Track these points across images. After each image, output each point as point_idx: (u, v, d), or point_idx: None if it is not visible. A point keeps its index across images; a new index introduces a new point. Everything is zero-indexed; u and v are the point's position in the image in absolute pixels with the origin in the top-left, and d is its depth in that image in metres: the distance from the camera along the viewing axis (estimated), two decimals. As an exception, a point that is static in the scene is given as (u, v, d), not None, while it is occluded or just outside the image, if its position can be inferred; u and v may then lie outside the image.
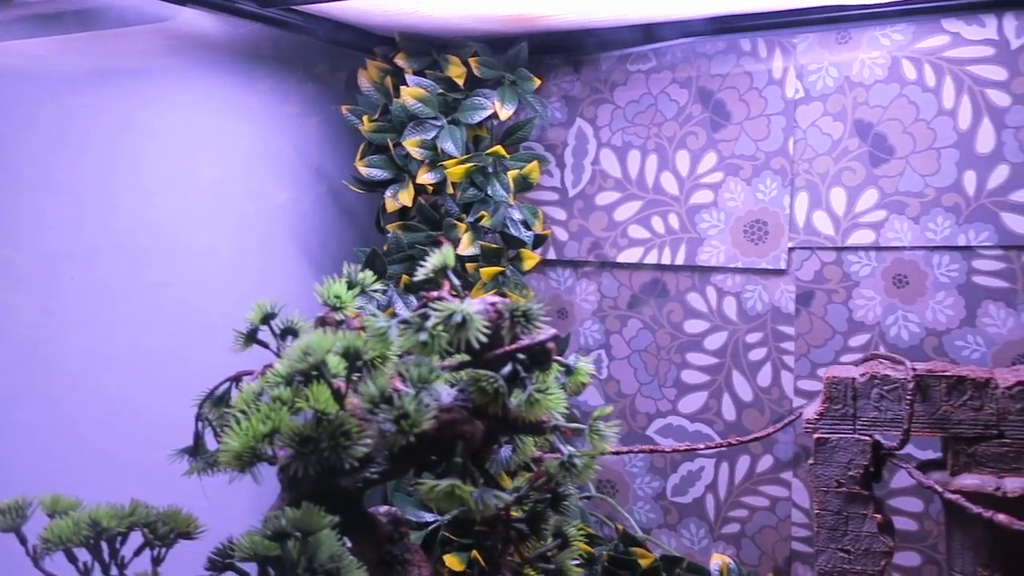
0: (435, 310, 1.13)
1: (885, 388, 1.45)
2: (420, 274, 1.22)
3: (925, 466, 1.49)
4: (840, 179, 1.83)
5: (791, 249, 1.88)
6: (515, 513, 1.30)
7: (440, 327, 1.11)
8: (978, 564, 1.41)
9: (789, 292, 1.89)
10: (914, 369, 1.43)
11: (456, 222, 1.90)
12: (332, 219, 2.09)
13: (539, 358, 1.20)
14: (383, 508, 1.37)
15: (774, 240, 1.90)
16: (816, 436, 1.48)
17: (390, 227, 1.96)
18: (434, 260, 1.22)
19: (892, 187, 1.79)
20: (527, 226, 1.94)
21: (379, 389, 1.06)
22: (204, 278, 1.78)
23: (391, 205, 1.97)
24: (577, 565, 1.92)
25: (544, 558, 1.26)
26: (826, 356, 1.85)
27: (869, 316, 1.82)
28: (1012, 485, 1.36)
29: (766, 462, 1.93)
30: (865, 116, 1.80)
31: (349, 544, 1.16)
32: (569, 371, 1.29)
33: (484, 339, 1.14)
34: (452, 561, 1.75)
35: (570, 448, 1.21)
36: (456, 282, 1.22)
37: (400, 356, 1.17)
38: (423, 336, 1.10)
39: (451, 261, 1.22)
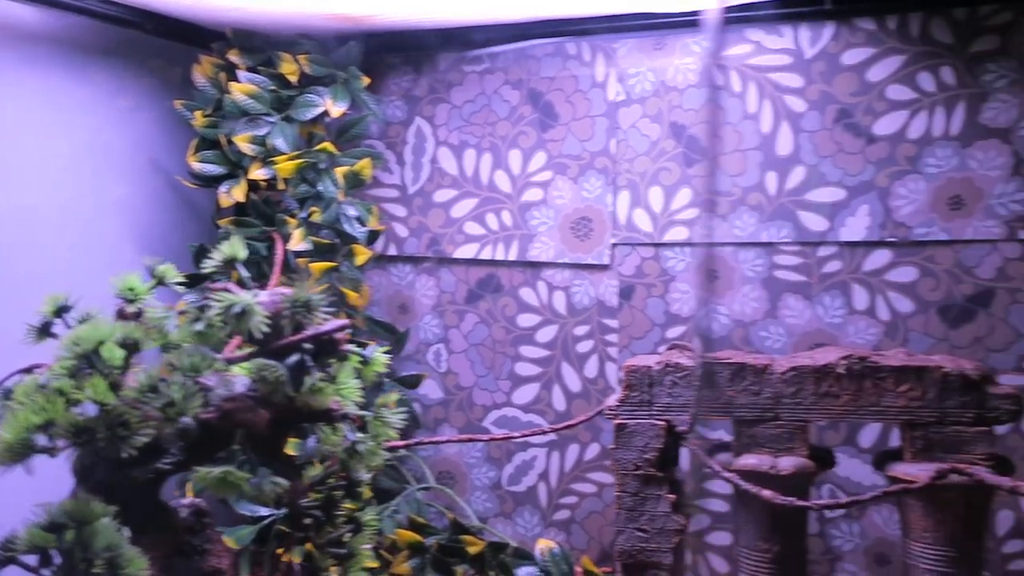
0: (216, 301, 1.15)
1: (677, 375, 1.53)
2: (208, 266, 1.24)
3: (720, 448, 1.59)
4: (658, 178, 1.92)
5: (614, 245, 1.97)
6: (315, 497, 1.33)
7: (219, 317, 1.14)
8: (759, 538, 1.51)
9: (612, 286, 1.98)
10: (701, 356, 1.52)
11: (288, 218, 1.92)
12: (172, 214, 2.07)
13: (327, 348, 1.23)
14: (186, 499, 1.38)
15: (598, 236, 1.98)
16: (616, 422, 1.55)
17: (223, 222, 1.96)
18: (222, 252, 1.24)
19: (703, 186, 1.89)
20: (361, 222, 1.97)
21: (148, 378, 1.08)
22: (28, 273, 1.75)
23: (225, 200, 1.97)
24: (407, 554, 1.96)
25: (338, 543, 1.30)
26: (646, 347, 1.94)
27: (684, 309, 1.92)
28: (785, 463, 1.47)
29: (593, 450, 2.01)
30: (679, 119, 1.90)
31: (129, 534, 1.17)
32: (365, 362, 1.33)
33: (267, 329, 1.17)
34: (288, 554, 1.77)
35: (359, 435, 1.25)
36: (245, 274, 1.25)
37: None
38: (199, 326, 1.12)
39: (240, 254, 1.24)
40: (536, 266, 2.04)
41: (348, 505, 1.32)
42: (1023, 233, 1.68)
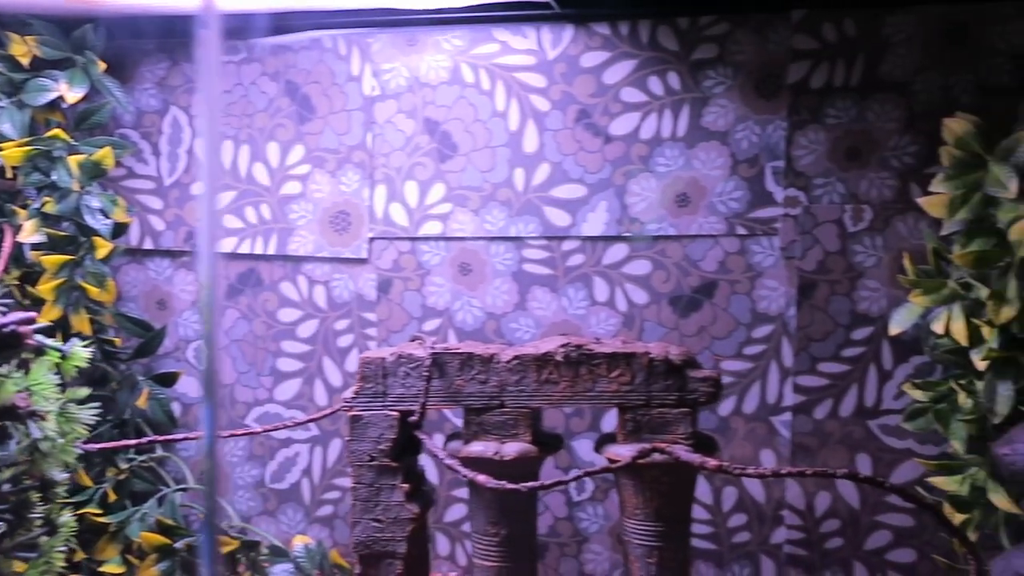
0: None
1: (410, 366, 1.56)
2: None
3: (456, 436, 1.62)
4: (413, 173, 1.95)
5: (372, 239, 1.98)
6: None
7: None
8: (487, 523, 1.56)
9: (371, 280, 1.98)
10: (432, 347, 1.55)
11: (18, 208, 1.81)
12: None
13: (9, 342, 1.17)
14: None
15: (356, 230, 1.98)
16: (351, 414, 1.56)
17: (-53, 212, 1.83)
18: None
19: (457, 181, 1.93)
20: (105, 214, 1.89)
21: None
22: None
23: (-50, 189, 1.84)
24: (155, 558, 1.89)
25: (30, 546, 1.24)
26: (404, 341, 1.97)
27: (440, 302, 1.95)
28: (509, 449, 1.52)
29: (354, 443, 2.02)
30: (433, 115, 1.93)
31: None
32: (64, 356, 1.28)
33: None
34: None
35: (44, 432, 1.20)
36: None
37: None
38: None
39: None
40: (296, 260, 2.02)
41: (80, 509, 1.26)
42: (740, 229, 1.82)
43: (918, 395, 1.69)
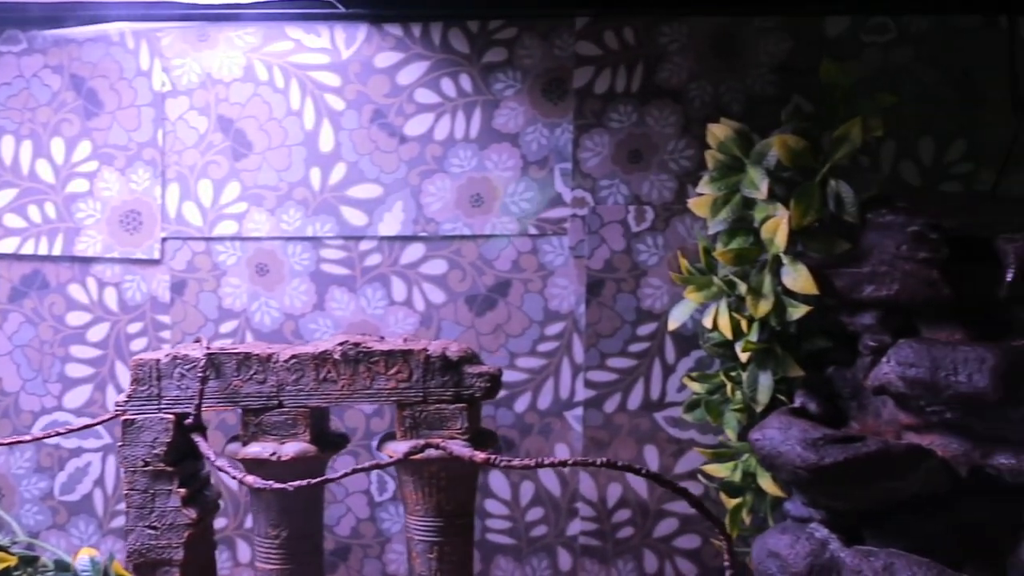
0: None
1: (185, 367, 1.52)
2: None
3: (235, 439, 1.59)
4: (207, 172, 1.90)
5: (164, 239, 1.92)
6: None
7: None
8: (268, 525, 1.54)
9: (164, 282, 1.93)
10: (207, 348, 1.52)
11: None
12: None
13: None
14: None
15: (148, 230, 1.92)
16: (123, 419, 1.51)
17: None
18: None
19: (252, 180, 1.90)
20: None
21: None
22: None
23: None
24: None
25: None
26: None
27: (237, 303, 1.92)
28: (288, 449, 1.51)
29: (149, 450, 1.95)
30: (227, 112, 1.89)
31: None
32: None
33: None
34: None
35: None
36: None
37: None
38: None
39: None
40: (85, 261, 1.93)
41: None
42: (532, 229, 1.87)
43: (695, 387, 1.77)
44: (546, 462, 1.38)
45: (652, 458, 1.87)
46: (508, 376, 1.87)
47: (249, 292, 1.91)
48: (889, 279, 1.47)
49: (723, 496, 1.70)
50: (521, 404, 1.89)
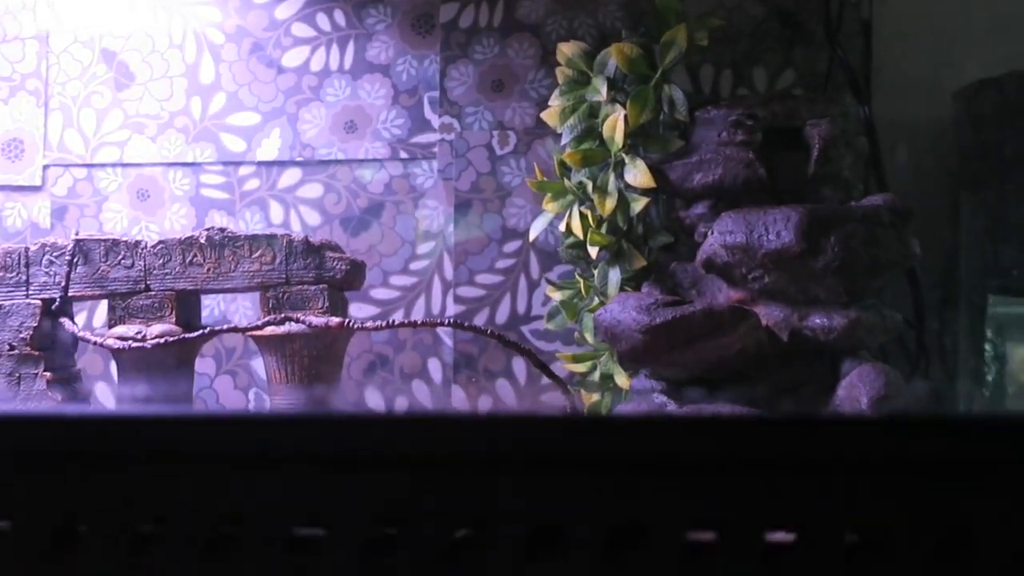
0: None
1: (54, 254, 1.58)
2: None
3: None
4: (90, 101, 1.98)
5: (46, 167, 1.98)
6: None
7: None
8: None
9: (45, 208, 1.98)
10: (76, 234, 1.59)
11: None
12: None
13: None
14: None
15: (30, 158, 1.98)
16: (-10, 304, 1.56)
17: None
18: None
19: (134, 110, 1.98)
20: None
21: None
22: None
23: None
24: None
25: None
26: (81, 268, 1.97)
27: (117, 228, 1.98)
28: (154, 330, 1.57)
29: None
30: (110, 45, 1.99)
31: None
32: None
33: None
34: None
35: None
36: None
37: None
38: None
39: None
40: (-35, 189, 1.98)
41: None
42: (403, 153, 1.99)
43: (555, 295, 1.89)
44: (397, 322, 1.48)
45: (520, 370, 1.97)
46: (382, 294, 1.96)
47: (130, 217, 1.97)
48: (714, 165, 1.63)
49: (582, 392, 1.81)
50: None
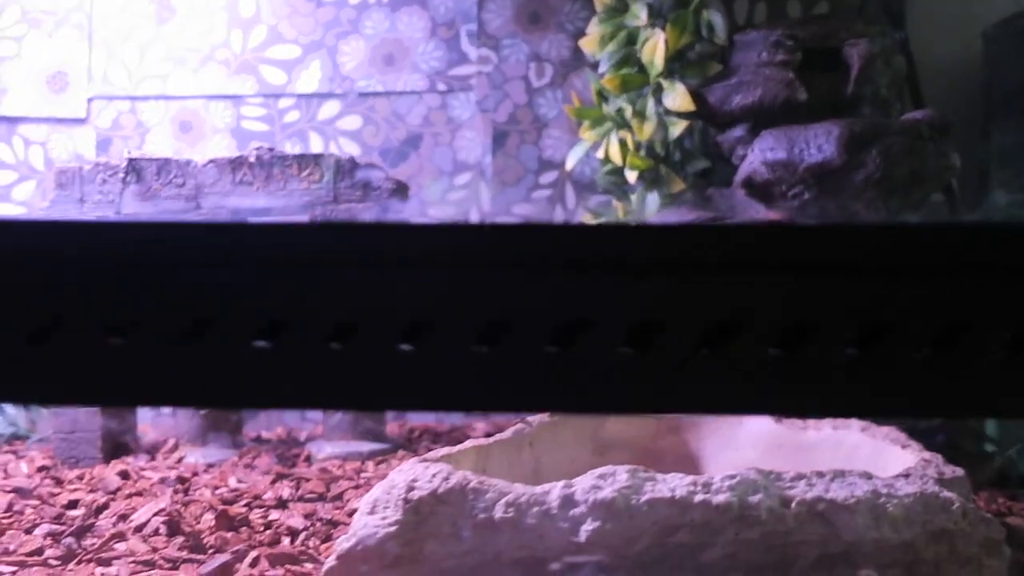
0: None
1: (108, 173, 1.62)
2: None
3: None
4: (132, 35, 2.01)
5: (90, 99, 2.01)
6: None
7: None
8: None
9: (90, 140, 2.01)
10: (128, 153, 1.62)
11: None
12: None
13: None
14: None
15: (75, 90, 2.01)
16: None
17: None
18: None
19: (176, 43, 2.01)
20: None
21: None
22: None
23: None
24: None
25: None
26: (125, 199, 2.00)
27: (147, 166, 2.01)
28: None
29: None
30: (152, -21, 2.02)
31: None
32: None
33: None
34: None
35: None
36: None
37: None
38: None
39: None
40: (11, 121, 2.01)
41: None
42: (441, 86, 2.01)
43: (592, 221, 1.92)
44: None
45: (555, 300, 2.00)
46: (420, 225, 1.99)
47: (172, 149, 2.01)
48: (753, 86, 1.65)
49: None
50: (433, 252, 2.01)
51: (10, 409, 1.82)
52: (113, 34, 2.01)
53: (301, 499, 1.35)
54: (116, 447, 1.64)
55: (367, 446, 1.64)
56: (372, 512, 0.90)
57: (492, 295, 0.45)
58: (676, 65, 1.72)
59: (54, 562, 1.11)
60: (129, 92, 2.00)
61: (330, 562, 0.91)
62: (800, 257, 0.46)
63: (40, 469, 1.58)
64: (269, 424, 1.93)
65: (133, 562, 1.08)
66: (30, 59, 2.00)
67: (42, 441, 1.78)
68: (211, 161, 1.62)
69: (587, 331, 0.46)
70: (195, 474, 1.49)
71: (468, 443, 1.15)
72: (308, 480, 1.45)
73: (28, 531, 1.22)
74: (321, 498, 1.36)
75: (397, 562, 0.88)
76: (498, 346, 0.45)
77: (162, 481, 1.45)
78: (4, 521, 1.26)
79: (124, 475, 1.49)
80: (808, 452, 1.26)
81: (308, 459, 1.62)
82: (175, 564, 1.08)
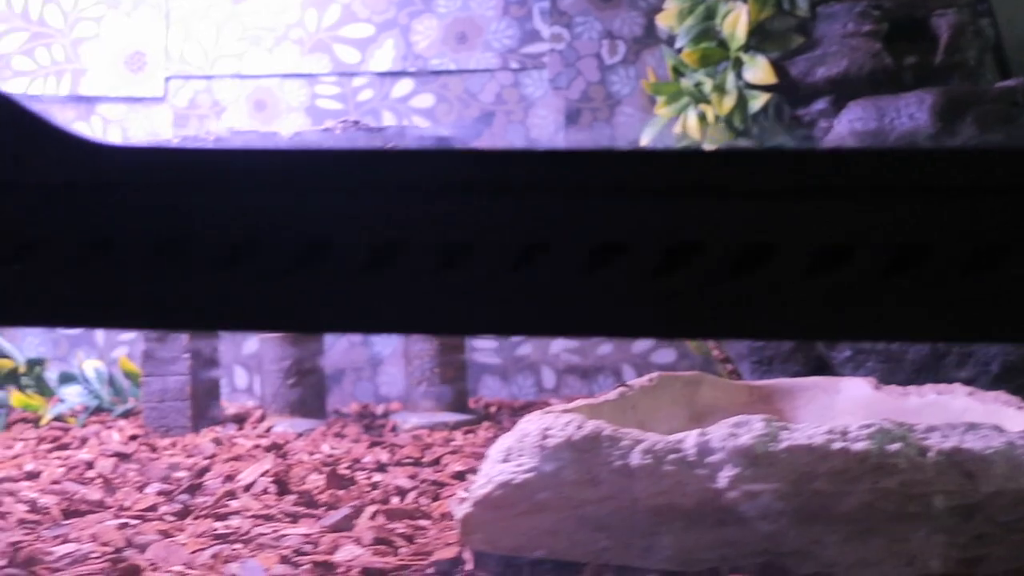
0: None
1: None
2: None
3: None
4: (208, 14, 2.03)
5: (168, 78, 2.04)
6: None
7: None
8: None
9: (167, 119, 2.04)
10: (207, 132, 1.64)
11: None
12: None
13: None
14: None
15: (152, 70, 2.04)
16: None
17: None
18: None
19: (251, 22, 2.03)
20: None
21: None
22: None
23: None
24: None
25: None
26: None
27: (237, 139, 2.03)
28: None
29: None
30: (228, -41, 2.04)
31: None
32: None
33: None
34: None
35: None
36: None
37: None
38: None
39: None
40: (90, 100, 2.04)
41: None
42: (513, 64, 2.02)
43: (666, 200, 1.92)
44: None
45: (627, 277, 2.00)
46: (492, 203, 2.00)
47: (248, 127, 2.03)
48: (838, 57, 1.64)
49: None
50: (505, 230, 2.02)
51: (94, 383, 1.85)
52: (189, 14, 2.03)
53: (398, 463, 1.36)
54: (204, 417, 1.66)
55: (452, 417, 1.65)
56: (506, 460, 0.91)
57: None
58: (755, 39, 1.72)
59: (170, 517, 1.13)
60: (205, 71, 2.03)
61: (464, 509, 0.91)
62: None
63: (132, 437, 1.61)
64: (343, 400, 1.94)
65: (251, 516, 1.10)
66: (108, 40, 2.03)
67: (127, 413, 1.81)
68: (297, 134, 1.64)
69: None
70: (287, 442, 1.51)
71: (579, 401, 1.15)
72: (402, 446, 1.46)
73: (140, 489, 1.24)
74: (417, 463, 1.37)
75: (534, 508, 0.89)
76: (677, 274, 0.44)
77: (255, 447, 1.47)
78: (114, 481, 1.29)
79: (217, 442, 1.51)
80: (912, 418, 1.25)
81: (394, 429, 1.63)
82: (294, 518, 1.09)
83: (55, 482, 1.29)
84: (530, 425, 0.92)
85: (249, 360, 2.03)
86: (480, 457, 1.40)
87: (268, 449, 1.45)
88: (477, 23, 2.01)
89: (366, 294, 0.43)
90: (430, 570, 0.89)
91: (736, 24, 1.70)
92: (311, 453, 1.42)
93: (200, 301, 0.44)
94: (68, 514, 1.12)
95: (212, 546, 0.98)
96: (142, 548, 0.98)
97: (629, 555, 0.88)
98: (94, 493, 1.22)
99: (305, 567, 0.92)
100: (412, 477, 1.27)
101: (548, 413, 0.96)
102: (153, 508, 1.16)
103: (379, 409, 1.89)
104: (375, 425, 1.65)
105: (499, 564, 0.89)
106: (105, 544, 0.97)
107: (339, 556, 0.93)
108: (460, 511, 0.92)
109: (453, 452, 1.41)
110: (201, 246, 0.42)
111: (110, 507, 1.17)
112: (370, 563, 0.91)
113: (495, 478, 0.89)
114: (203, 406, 1.66)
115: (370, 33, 2.02)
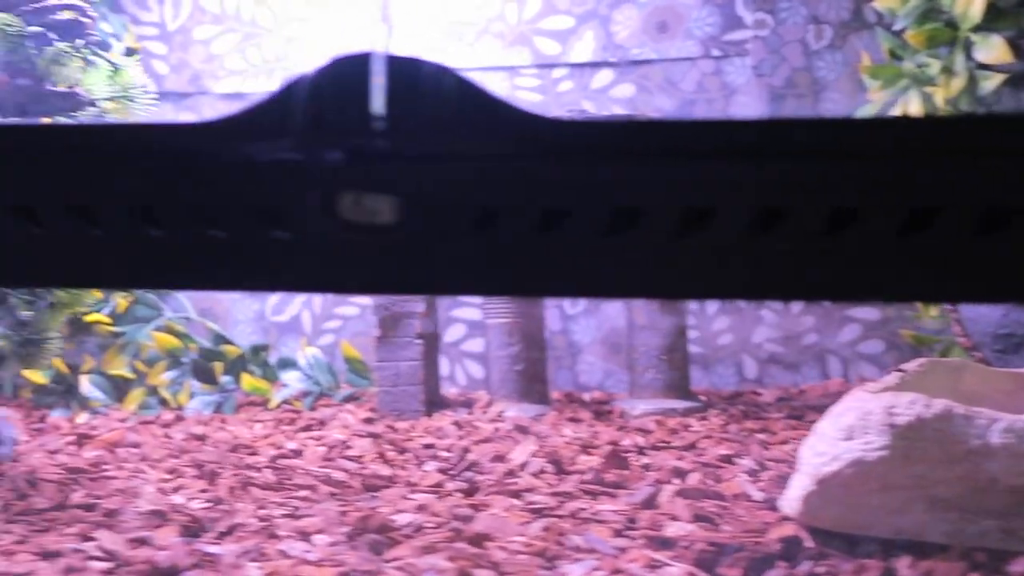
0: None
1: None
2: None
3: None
4: (414, 11, 2.09)
5: (372, 74, 2.10)
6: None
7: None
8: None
9: (371, 113, 2.10)
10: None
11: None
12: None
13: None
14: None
15: (357, 66, 2.10)
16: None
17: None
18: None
19: (452, 16, 2.07)
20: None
21: None
22: None
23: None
24: (165, 363, 1.94)
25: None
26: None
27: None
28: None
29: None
30: (430, -43, 2.09)
31: None
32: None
33: None
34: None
35: None
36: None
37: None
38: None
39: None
40: (298, 98, 2.12)
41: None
42: (715, 51, 2.00)
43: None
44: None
45: (833, 266, 1.97)
46: (693, 192, 1.99)
47: (449, 121, 2.07)
48: (1085, 33, 1.58)
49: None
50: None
51: (312, 368, 1.92)
52: (395, 11, 2.09)
53: (654, 448, 1.37)
54: (433, 402, 1.70)
55: (679, 403, 1.65)
56: (849, 438, 0.90)
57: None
58: (987, 18, 1.66)
59: (458, 494, 1.16)
60: (409, 67, 2.08)
61: (803, 487, 0.91)
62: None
63: (366, 421, 1.66)
64: (558, 384, 1.96)
65: (549, 494, 1.12)
66: (317, 38, 2.10)
67: (351, 398, 1.87)
68: (525, 123, 1.66)
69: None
70: (526, 426, 1.53)
71: (870, 385, 1.14)
72: (649, 431, 1.46)
73: (418, 466, 1.28)
74: (671, 447, 1.38)
75: (885, 486, 0.88)
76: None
77: (496, 431, 1.50)
78: (393, 457, 1.33)
79: (458, 425, 1.55)
80: None
81: (622, 415, 1.64)
82: (593, 496, 1.11)
83: (327, 459, 1.35)
84: (871, 404, 0.91)
85: (448, 348, 2.07)
86: (730, 442, 1.40)
87: (511, 432, 1.47)
88: (678, 11, 2.01)
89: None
90: (776, 547, 0.88)
91: (970, 2, 1.65)
92: (560, 436, 1.43)
93: (579, 270, 0.44)
94: (367, 488, 1.17)
95: (533, 520, 1.00)
96: (464, 520, 1.01)
97: (989, 538, 0.86)
98: (382, 469, 1.26)
99: (639, 541, 0.93)
100: (680, 459, 1.27)
101: (880, 392, 0.94)
102: (440, 485, 1.19)
103: (585, 396, 1.90)
104: (602, 411, 1.66)
105: (846, 543, 0.88)
106: (435, 514, 1.01)
107: (670, 531, 0.94)
108: (796, 490, 0.92)
109: (707, 436, 1.41)
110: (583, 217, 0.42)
111: (398, 483, 1.21)
112: (708, 538, 0.91)
113: (841, 456, 0.89)
114: (432, 391, 1.70)
115: (570, 25, 2.04)
